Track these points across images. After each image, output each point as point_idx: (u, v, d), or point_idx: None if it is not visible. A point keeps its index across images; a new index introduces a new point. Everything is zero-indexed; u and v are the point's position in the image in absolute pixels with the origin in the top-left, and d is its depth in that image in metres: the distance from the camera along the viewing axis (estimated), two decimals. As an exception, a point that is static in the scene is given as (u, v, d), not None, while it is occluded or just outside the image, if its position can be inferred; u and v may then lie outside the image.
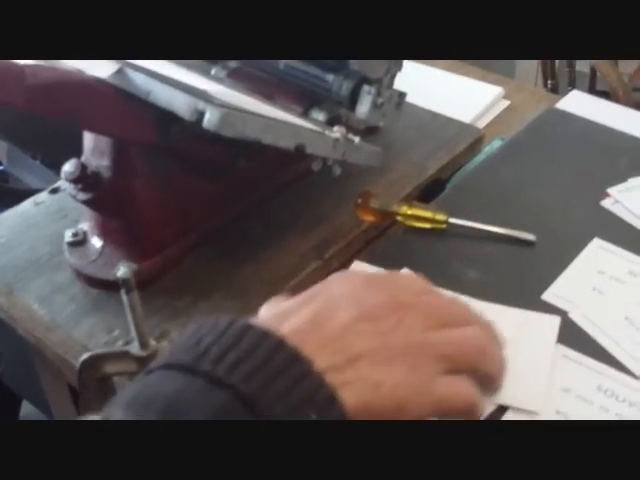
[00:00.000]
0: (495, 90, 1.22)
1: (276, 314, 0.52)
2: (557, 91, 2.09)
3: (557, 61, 2.09)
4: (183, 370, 0.44)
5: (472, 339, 0.56)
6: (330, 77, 0.90)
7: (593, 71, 1.98)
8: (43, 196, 1.00)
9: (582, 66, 2.09)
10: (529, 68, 2.51)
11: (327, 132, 0.82)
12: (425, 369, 0.51)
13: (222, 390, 0.42)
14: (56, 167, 1.77)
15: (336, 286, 0.55)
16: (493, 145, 1.06)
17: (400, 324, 0.52)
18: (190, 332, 0.47)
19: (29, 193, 1.03)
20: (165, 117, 0.73)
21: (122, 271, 0.67)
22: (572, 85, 2.08)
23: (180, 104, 0.69)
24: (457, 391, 0.52)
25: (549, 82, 2.09)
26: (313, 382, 0.45)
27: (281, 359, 0.45)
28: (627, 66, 2.28)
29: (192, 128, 0.70)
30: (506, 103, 1.21)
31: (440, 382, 0.52)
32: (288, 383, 0.44)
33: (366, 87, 0.89)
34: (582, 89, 2.01)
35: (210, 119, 0.66)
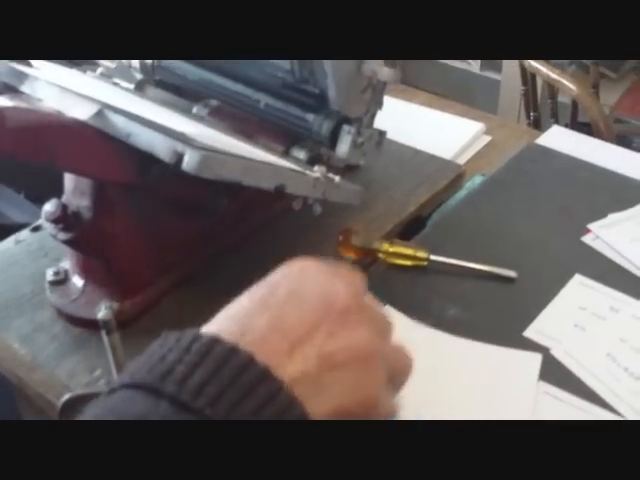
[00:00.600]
0: (476, 126, 1.23)
1: (237, 319, 0.49)
2: (539, 123, 2.10)
3: (539, 93, 2.11)
4: (147, 391, 0.42)
5: (406, 354, 0.56)
6: (310, 117, 0.91)
7: (575, 103, 1.99)
8: (24, 234, 1.00)
9: (564, 98, 2.11)
10: (512, 101, 2.53)
11: (307, 172, 0.83)
12: (383, 376, 0.51)
13: (188, 414, 0.41)
14: (40, 201, 1.76)
15: (295, 279, 0.53)
16: (474, 181, 1.06)
17: (360, 325, 0.51)
18: (155, 347, 0.46)
19: (13, 228, 1.03)
20: (145, 158, 0.73)
21: (103, 312, 0.67)
22: (554, 117, 2.09)
23: (160, 146, 0.69)
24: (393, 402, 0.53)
25: (531, 114, 2.10)
26: (283, 403, 0.44)
27: (249, 379, 0.43)
28: (608, 98, 2.31)
29: (172, 169, 0.70)
30: (487, 139, 1.21)
31: (387, 391, 0.52)
32: (256, 405, 0.43)
33: (346, 127, 0.90)
34: (564, 121, 2.04)
35: (189, 162, 0.67)
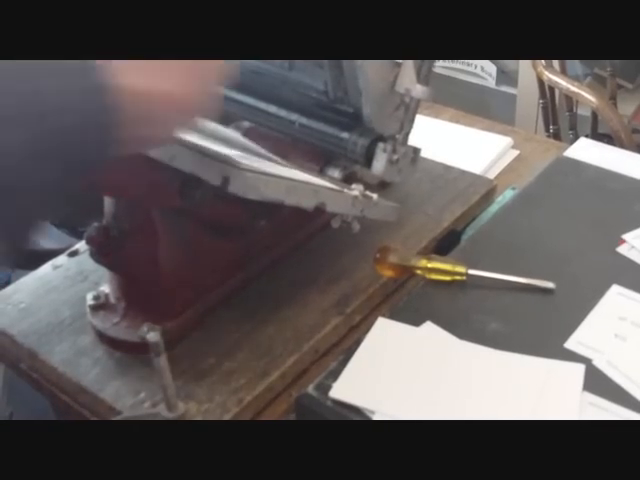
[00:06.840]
0: (504, 140, 1.24)
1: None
2: (559, 136, 2.10)
3: (557, 105, 2.11)
4: None
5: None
6: (345, 135, 0.91)
7: (594, 115, 1.99)
8: (61, 259, 1.01)
9: (581, 110, 2.11)
10: (528, 114, 2.52)
11: (346, 190, 0.83)
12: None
13: None
14: (66, 227, 1.76)
15: None
16: (505, 195, 1.07)
17: None
18: None
19: (39, 254, 1.03)
20: (187, 180, 0.74)
21: (151, 335, 0.68)
22: (573, 129, 2.09)
23: (205, 169, 0.70)
24: None
25: (551, 127, 2.10)
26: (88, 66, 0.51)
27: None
28: (626, 108, 2.30)
29: (214, 191, 0.71)
30: (515, 153, 1.22)
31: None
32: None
33: (381, 144, 0.90)
34: (583, 132, 2.04)
35: (236, 184, 0.67)
